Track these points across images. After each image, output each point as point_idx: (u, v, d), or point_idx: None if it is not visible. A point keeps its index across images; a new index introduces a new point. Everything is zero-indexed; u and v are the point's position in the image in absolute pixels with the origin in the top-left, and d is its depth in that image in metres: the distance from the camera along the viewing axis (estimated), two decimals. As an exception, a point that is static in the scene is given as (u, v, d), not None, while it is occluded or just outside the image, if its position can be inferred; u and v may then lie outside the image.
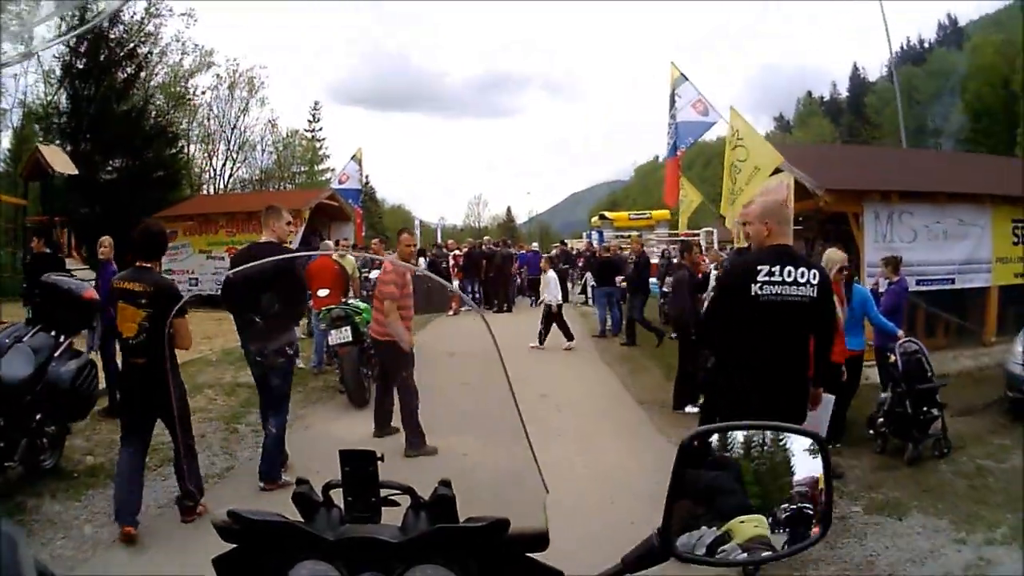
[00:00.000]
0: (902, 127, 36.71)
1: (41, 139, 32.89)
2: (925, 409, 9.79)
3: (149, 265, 7.87)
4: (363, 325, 12.97)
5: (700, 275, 13.46)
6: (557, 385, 14.60)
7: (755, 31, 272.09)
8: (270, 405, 8.84)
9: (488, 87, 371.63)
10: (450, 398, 11.42)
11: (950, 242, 16.19)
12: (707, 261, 18.53)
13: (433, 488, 2.05)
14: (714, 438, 1.88)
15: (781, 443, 1.93)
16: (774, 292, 6.04)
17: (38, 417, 8.35)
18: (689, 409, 12.42)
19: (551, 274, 20.83)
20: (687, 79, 19.41)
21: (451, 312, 24.50)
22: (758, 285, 6.03)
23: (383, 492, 2.07)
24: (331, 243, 16.85)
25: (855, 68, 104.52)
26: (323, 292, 14.15)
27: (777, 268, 6.06)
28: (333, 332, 13.00)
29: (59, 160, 23.34)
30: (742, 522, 1.77)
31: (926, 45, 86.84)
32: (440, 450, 9.77)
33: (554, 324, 19.62)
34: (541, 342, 19.56)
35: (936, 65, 74.40)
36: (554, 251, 36.96)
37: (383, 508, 2.06)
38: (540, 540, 1.93)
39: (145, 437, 7.73)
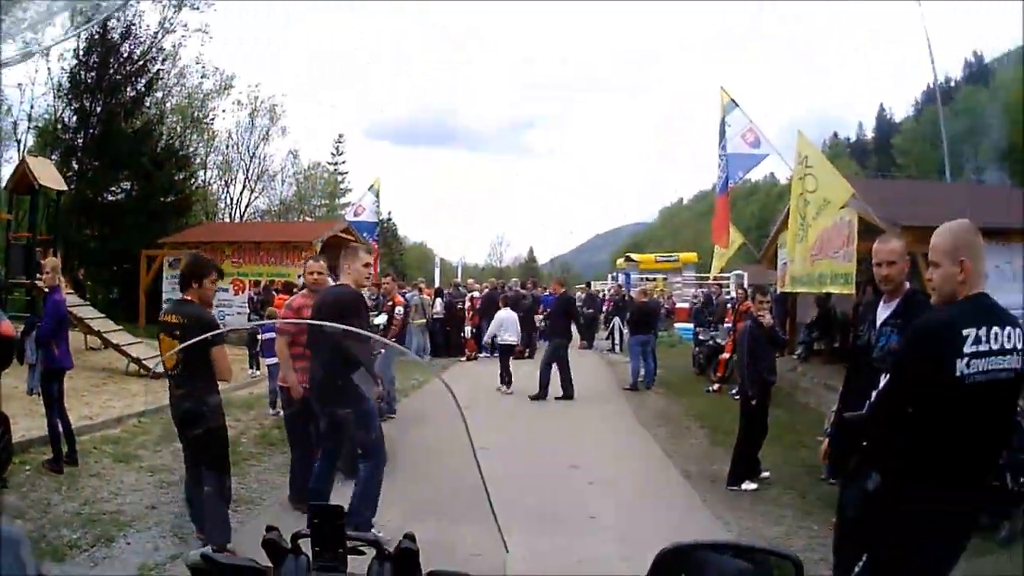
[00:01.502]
0: (947, 162, 34.85)
1: (38, 154, 31.40)
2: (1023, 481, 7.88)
3: (189, 297, 7.73)
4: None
5: (766, 326, 11.22)
6: (588, 452, 12.58)
7: (779, 75, 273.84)
8: (365, 451, 8.19)
9: (515, 126, 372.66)
10: (416, 459, 10.46)
11: (1018, 283, 14.32)
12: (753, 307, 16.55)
13: (398, 541, 2.18)
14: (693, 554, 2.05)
15: (759, 567, 2.05)
16: (983, 368, 3.90)
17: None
18: (747, 486, 10.46)
19: (506, 313, 19.81)
20: (737, 105, 18.17)
21: (464, 358, 23.97)
22: (964, 361, 3.88)
23: (349, 543, 2.20)
24: (330, 280, 15.03)
25: (881, 109, 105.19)
26: None
27: (984, 332, 3.94)
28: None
29: (47, 174, 21.83)
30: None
31: (952, 83, 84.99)
32: (405, 508, 8.32)
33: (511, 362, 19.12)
34: (506, 383, 18.82)
35: (965, 103, 73.33)
36: (579, 293, 35.39)
37: (349, 557, 2.20)
38: None
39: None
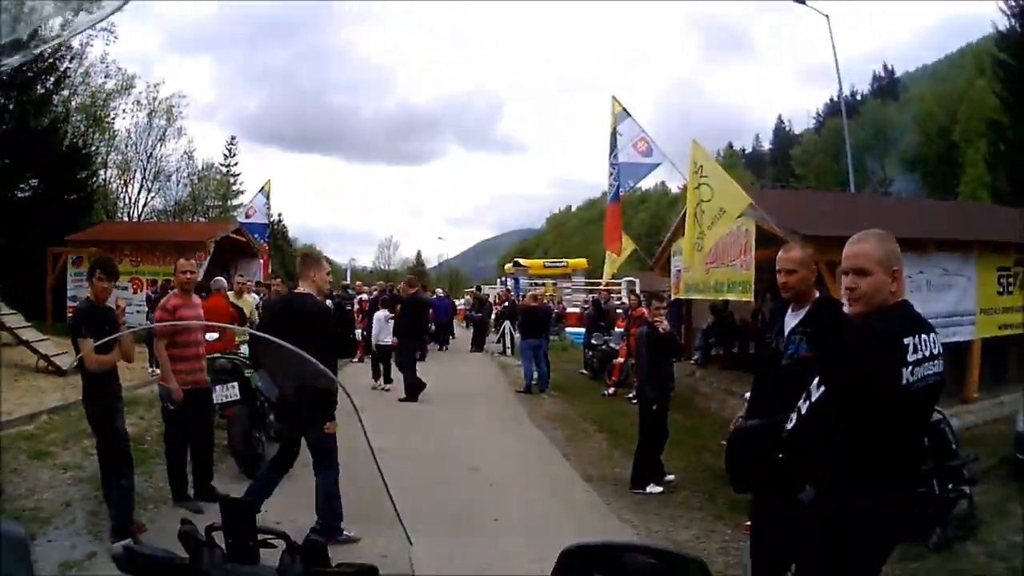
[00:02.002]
0: (851, 173, 35.42)
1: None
2: (951, 487, 8.08)
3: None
4: (255, 380, 11.09)
5: (663, 332, 11.27)
6: (487, 455, 12.53)
7: (673, 83, 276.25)
8: (319, 461, 8.06)
9: (402, 131, 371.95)
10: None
11: (933, 293, 14.69)
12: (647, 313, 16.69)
13: (306, 534, 2.31)
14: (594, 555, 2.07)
15: (667, 568, 2.06)
16: (921, 375, 3.94)
17: None
18: (652, 489, 10.47)
19: (381, 313, 19.87)
20: (629, 114, 18.29)
21: (356, 359, 24.09)
22: (909, 369, 3.89)
23: (260, 536, 2.28)
24: (223, 280, 14.80)
25: (780, 120, 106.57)
26: (211, 336, 11.90)
27: (918, 339, 3.98)
28: (218, 388, 10.71)
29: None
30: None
31: (858, 97, 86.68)
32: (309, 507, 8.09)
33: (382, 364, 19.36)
34: (386, 381, 19.24)
35: (870, 116, 74.88)
36: (467, 297, 35.54)
37: (261, 550, 2.27)
38: None
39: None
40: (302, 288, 8.58)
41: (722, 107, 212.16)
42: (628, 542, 2.41)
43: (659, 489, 10.44)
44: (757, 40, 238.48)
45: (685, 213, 15.16)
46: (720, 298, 17.72)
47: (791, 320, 5.78)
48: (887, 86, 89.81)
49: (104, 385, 7.87)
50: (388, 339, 19.09)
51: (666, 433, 11.03)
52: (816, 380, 4.18)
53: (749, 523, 7.58)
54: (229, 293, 14.35)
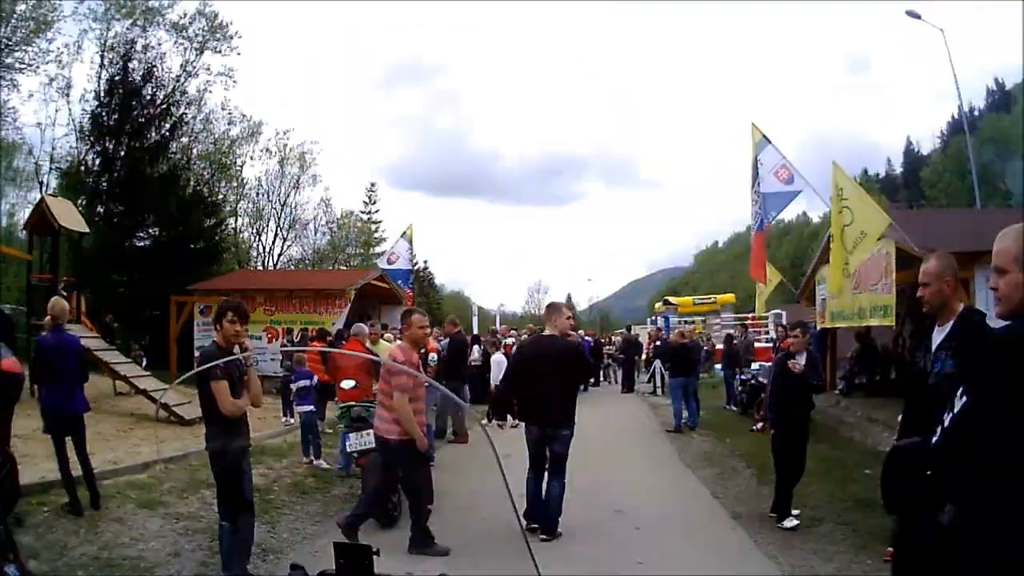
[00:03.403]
0: (976, 190, 34.46)
1: (60, 195, 31.15)
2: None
3: (215, 339, 8.01)
4: None
5: (795, 369, 10.72)
6: (633, 497, 12.19)
7: (804, 113, 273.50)
8: (556, 469, 10.06)
9: (546, 173, 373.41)
10: (455, 504, 10.91)
11: None
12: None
13: None
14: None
15: None
16: None
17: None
18: (786, 523, 10.20)
19: (499, 356, 20.46)
20: (770, 142, 17.90)
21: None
22: None
23: None
24: (364, 327, 14.68)
25: (908, 142, 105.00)
26: (347, 384, 12.01)
27: None
28: (352, 436, 10.90)
29: (67, 215, 21.56)
30: None
31: (976, 112, 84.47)
32: (466, 539, 9.31)
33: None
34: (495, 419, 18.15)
35: (989, 131, 73.07)
36: (617, 338, 35.20)
37: None
38: None
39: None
40: (548, 331, 10.49)
41: (855, 133, 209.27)
42: None
43: (793, 523, 10.15)
44: (880, 61, 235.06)
45: (829, 239, 14.86)
46: (863, 324, 17.33)
47: (937, 336, 5.53)
48: (1000, 100, 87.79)
49: (233, 431, 7.76)
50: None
51: (798, 465, 10.68)
52: (960, 390, 3.83)
53: (891, 549, 7.31)
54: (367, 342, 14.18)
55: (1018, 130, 67.23)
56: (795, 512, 10.44)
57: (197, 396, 7.75)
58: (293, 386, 14.95)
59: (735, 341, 25.38)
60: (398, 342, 10.92)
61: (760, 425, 18.08)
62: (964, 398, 3.79)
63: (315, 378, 14.65)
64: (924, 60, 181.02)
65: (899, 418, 6.94)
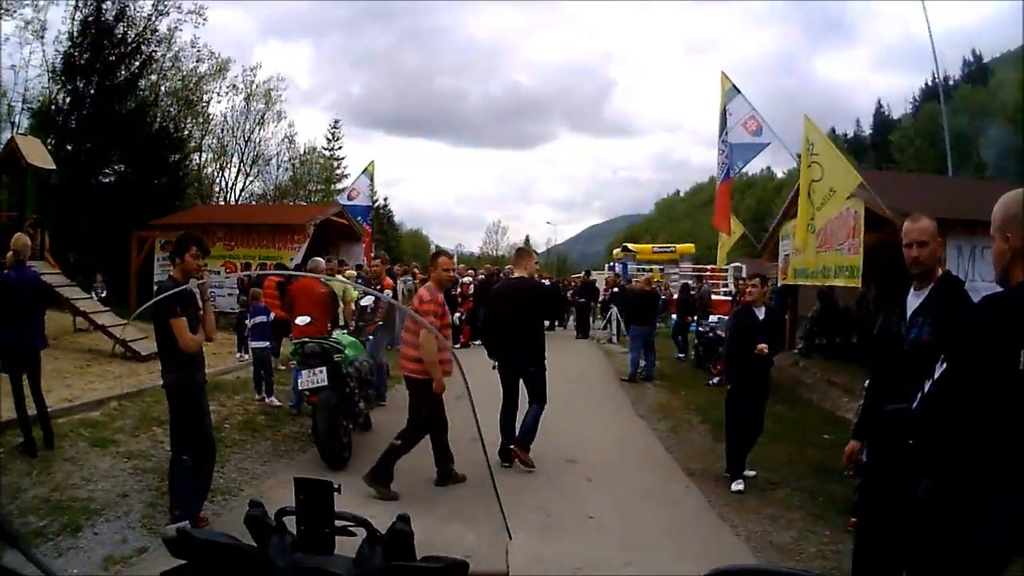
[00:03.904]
0: (949, 158, 34.34)
1: (31, 135, 30.68)
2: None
3: (172, 274, 7.93)
4: (346, 365, 10.77)
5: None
6: (586, 446, 12.02)
7: (776, 69, 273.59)
8: (537, 397, 10.76)
9: (510, 115, 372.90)
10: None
11: None
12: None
13: (391, 522, 2.01)
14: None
15: None
16: None
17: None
18: (735, 486, 9.96)
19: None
20: (739, 92, 17.65)
21: (458, 345, 23.58)
22: None
23: (338, 523, 2.02)
24: (322, 261, 14.40)
25: (879, 106, 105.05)
26: (302, 320, 11.99)
27: None
28: (304, 373, 10.54)
29: (36, 153, 21.25)
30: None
31: (951, 82, 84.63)
32: (403, 489, 9.15)
33: None
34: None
35: (963, 102, 73.31)
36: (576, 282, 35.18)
37: (337, 538, 2.03)
38: None
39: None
40: (517, 273, 11.35)
41: (824, 90, 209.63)
42: (766, 566, 2.33)
43: (740, 486, 9.91)
44: (856, 21, 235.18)
45: (797, 194, 14.75)
46: (827, 283, 17.27)
47: (914, 301, 5.30)
48: (976, 72, 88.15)
49: (192, 367, 7.68)
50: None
51: (756, 425, 10.42)
52: (941, 358, 3.76)
53: (855, 520, 7.08)
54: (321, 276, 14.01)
55: (994, 103, 67.81)
56: (749, 473, 10.25)
57: (153, 332, 7.64)
58: (248, 322, 14.80)
59: (691, 292, 25.28)
60: (427, 283, 10.60)
61: (716, 379, 17.97)
62: (943, 365, 3.74)
63: (271, 314, 14.39)
64: (901, 25, 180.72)
65: (866, 383, 6.76)
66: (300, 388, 10.97)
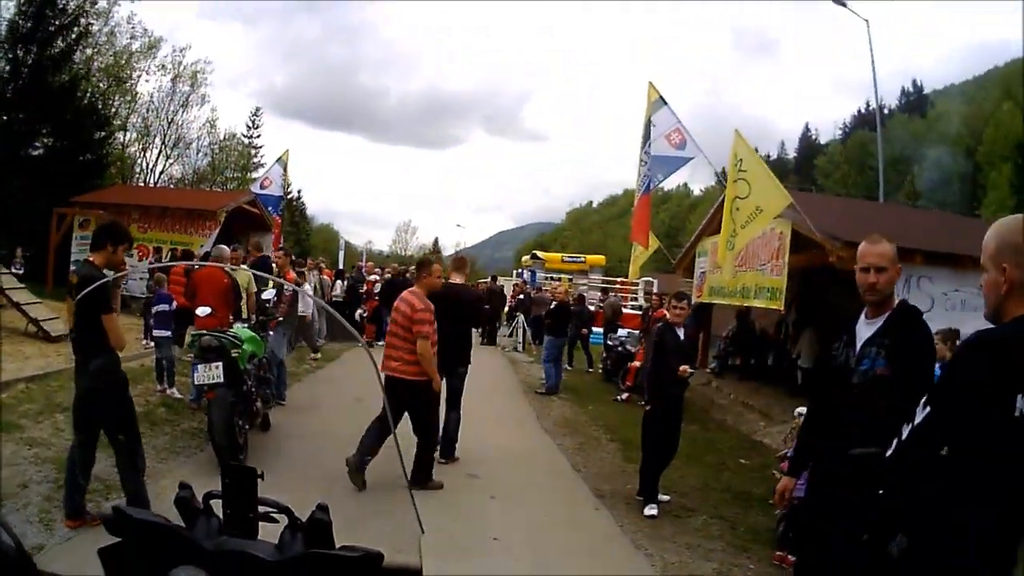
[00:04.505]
0: (881, 183, 34.38)
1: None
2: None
3: (93, 259, 7.40)
4: (243, 360, 10.24)
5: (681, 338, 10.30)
6: (489, 461, 11.42)
7: (701, 85, 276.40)
8: (454, 403, 11.37)
9: (428, 114, 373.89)
10: (345, 434, 10.28)
11: (966, 313, 13.18)
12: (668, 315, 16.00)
13: (311, 511, 2.09)
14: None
15: None
16: None
17: None
18: (648, 510, 9.52)
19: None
20: (666, 103, 17.24)
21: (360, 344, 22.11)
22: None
23: (261, 509, 2.13)
24: (226, 249, 13.88)
25: (806, 129, 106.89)
26: (202, 311, 11.59)
27: None
28: (200, 367, 9.82)
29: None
30: None
31: (886, 111, 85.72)
32: (322, 481, 9.21)
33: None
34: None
35: (896, 131, 74.52)
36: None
37: (261, 524, 2.13)
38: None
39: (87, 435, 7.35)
40: (457, 279, 11.88)
41: (750, 111, 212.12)
42: None
43: (654, 511, 9.51)
44: (788, 45, 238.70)
45: (717, 210, 14.62)
46: (746, 304, 17.07)
47: (865, 330, 4.93)
48: (915, 102, 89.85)
49: (117, 359, 7.39)
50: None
51: (671, 446, 10.16)
52: (924, 399, 3.32)
53: (781, 553, 7.63)
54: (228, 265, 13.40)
55: (931, 133, 69.33)
56: (664, 498, 9.92)
57: (68, 313, 7.80)
58: (153, 309, 14.31)
59: (600, 303, 25.19)
60: (413, 290, 10.47)
61: (625, 395, 17.89)
62: (927, 408, 3.30)
63: (174, 302, 13.80)
64: (837, 50, 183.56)
65: (796, 413, 6.48)
66: (196, 383, 10.30)
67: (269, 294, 12.92)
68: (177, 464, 9.63)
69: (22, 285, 19.03)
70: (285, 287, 13.06)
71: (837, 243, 12.82)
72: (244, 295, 13.07)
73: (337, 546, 2.00)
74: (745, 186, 12.87)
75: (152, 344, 15.32)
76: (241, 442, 9.77)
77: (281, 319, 13.56)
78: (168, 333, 13.49)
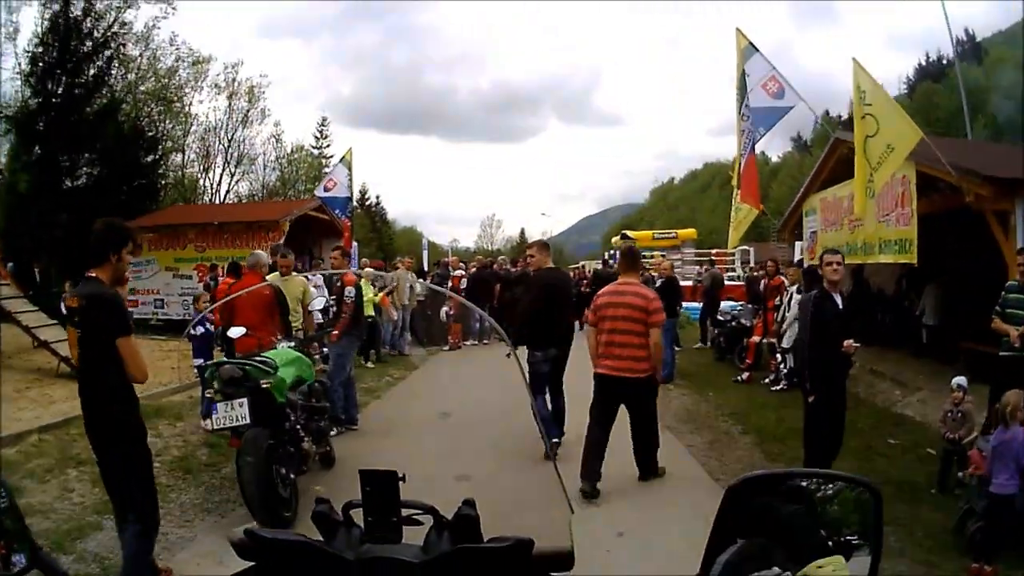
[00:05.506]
0: (968, 124, 32.81)
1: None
2: None
3: (95, 274, 6.13)
4: (280, 391, 8.24)
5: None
6: (608, 478, 9.04)
7: (768, 50, 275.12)
8: (560, 387, 11.07)
9: (499, 108, 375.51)
10: (477, 424, 11.02)
11: None
12: (786, 281, 15.33)
13: (456, 508, 2.09)
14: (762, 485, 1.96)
15: (834, 491, 1.99)
16: None
17: None
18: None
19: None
20: (757, 49, 15.79)
21: (447, 347, 22.59)
22: None
23: (404, 511, 2.12)
24: (263, 255, 11.73)
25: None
26: (235, 332, 9.63)
27: None
28: (218, 406, 7.94)
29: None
30: (820, 567, 1.74)
31: (944, 62, 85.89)
32: (469, 472, 8.62)
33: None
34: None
35: (956, 80, 73.64)
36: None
37: (405, 527, 2.11)
38: (565, 560, 1.94)
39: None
40: (550, 265, 11.88)
41: (814, 70, 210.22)
42: (793, 470, 2.33)
43: None
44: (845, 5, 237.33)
45: (819, 168, 13.70)
46: (870, 261, 15.40)
47: None
48: (970, 50, 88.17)
49: (135, 398, 6.19)
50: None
51: (835, 442, 8.63)
52: None
53: (980, 566, 6.55)
54: (272, 274, 11.76)
55: (989, 81, 67.80)
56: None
57: (71, 346, 6.46)
58: (193, 331, 12.75)
59: (698, 277, 24.03)
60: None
61: (746, 375, 16.52)
62: None
63: (212, 325, 12.31)
64: (883, 8, 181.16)
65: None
66: (214, 427, 8.29)
67: (318, 304, 11.29)
68: (207, 527, 8.01)
69: (54, 321, 17.68)
70: (346, 293, 11.35)
71: (976, 179, 11.28)
72: (299, 308, 11.19)
73: (486, 539, 1.94)
74: (873, 123, 11.39)
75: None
76: (285, 495, 7.90)
77: (338, 331, 11.48)
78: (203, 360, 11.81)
